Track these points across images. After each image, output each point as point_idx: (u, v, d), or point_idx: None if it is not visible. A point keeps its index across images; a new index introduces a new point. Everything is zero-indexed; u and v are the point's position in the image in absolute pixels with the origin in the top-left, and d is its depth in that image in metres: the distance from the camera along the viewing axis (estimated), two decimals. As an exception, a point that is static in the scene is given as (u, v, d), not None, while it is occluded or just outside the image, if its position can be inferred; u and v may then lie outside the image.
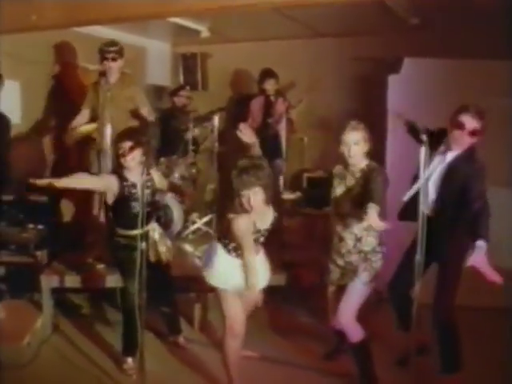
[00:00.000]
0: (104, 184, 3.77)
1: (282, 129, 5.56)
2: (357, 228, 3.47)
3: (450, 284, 3.51)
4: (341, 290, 3.67)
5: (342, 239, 3.56)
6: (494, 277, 3.14)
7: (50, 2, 4.64)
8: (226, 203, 4.26)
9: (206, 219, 5.77)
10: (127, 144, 3.68)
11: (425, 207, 3.27)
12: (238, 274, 3.36)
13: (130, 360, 3.85)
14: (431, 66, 5.10)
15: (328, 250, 3.74)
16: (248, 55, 6.82)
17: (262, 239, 3.39)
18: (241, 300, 3.44)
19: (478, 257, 3.11)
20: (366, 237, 3.44)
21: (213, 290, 4.36)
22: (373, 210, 3.06)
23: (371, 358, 3.56)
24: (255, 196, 3.13)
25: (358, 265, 3.51)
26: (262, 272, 3.43)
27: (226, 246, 3.40)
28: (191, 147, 5.78)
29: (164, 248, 3.87)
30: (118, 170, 3.80)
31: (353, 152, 3.41)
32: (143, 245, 3.34)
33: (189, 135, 5.75)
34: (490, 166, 3.49)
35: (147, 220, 3.60)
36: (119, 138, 3.79)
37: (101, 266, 4.57)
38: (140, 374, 3.35)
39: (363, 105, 5.86)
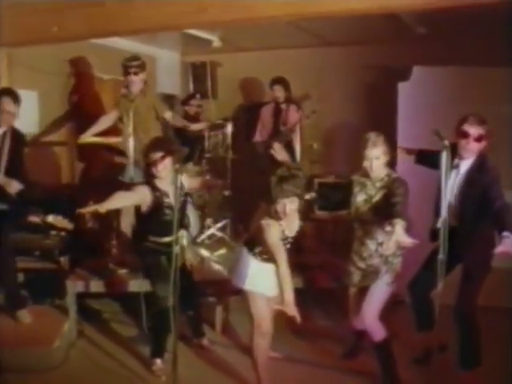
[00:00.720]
0: (139, 198, 3.91)
1: (296, 136, 5.68)
2: (378, 234, 3.62)
3: (476, 284, 3.65)
4: (362, 291, 3.82)
5: (363, 243, 3.72)
6: None
7: (70, 14, 4.80)
8: (252, 209, 4.43)
9: (220, 225, 5.90)
10: (158, 154, 3.81)
11: (446, 211, 3.39)
12: (264, 277, 3.51)
13: (158, 361, 3.97)
14: (440, 73, 5.26)
15: (348, 253, 3.90)
16: (257, 64, 6.99)
17: (288, 246, 3.52)
18: (267, 300, 3.56)
19: (506, 245, 3.20)
20: (387, 242, 3.55)
21: (234, 293, 4.56)
22: (399, 227, 3.21)
23: (393, 356, 3.70)
24: (291, 204, 3.27)
25: (380, 267, 3.66)
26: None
27: (251, 249, 3.54)
28: (206, 155, 5.93)
29: (190, 253, 4.00)
30: (150, 179, 3.92)
31: (375, 166, 3.59)
32: (177, 249, 3.45)
33: (204, 143, 5.89)
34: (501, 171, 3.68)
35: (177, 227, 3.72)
36: (149, 148, 3.92)
37: (123, 271, 4.67)
38: (173, 374, 3.45)
39: (373, 112, 6.02)
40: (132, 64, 4.89)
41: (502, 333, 4.35)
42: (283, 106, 5.86)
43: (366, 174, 3.67)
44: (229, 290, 4.67)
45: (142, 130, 4.80)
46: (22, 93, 5.38)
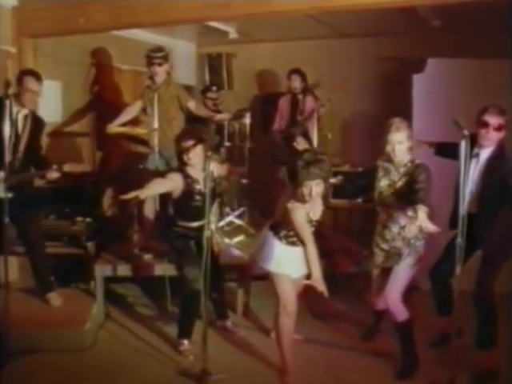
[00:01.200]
0: (173, 184, 4.05)
1: (313, 126, 5.83)
2: (401, 218, 3.78)
3: (495, 268, 3.80)
4: (384, 273, 3.98)
5: (386, 227, 3.88)
6: None
7: (96, 6, 4.94)
8: (269, 196, 4.58)
9: (238, 212, 6.08)
10: (190, 142, 3.97)
11: (466, 199, 3.54)
12: (289, 259, 3.71)
13: (186, 342, 4.16)
14: (454, 65, 5.39)
15: (363, 239, 4.08)
16: (272, 55, 7.15)
17: (312, 229, 3.68)
18: (293, 281, 3.74)
19: None
20: (409, 225, 3.73)
21: (254, 278, 4.75)
22: (422, 212, 3.33)
23: (414, 336, 3.87)
24: (317, 187, 3.43)
25: (402, 249, 3.82)
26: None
27: (277, 233, 3.72)
28: (226, 144, 6.10)
29: (218, 238, 4.16)
30: (182, 167, 4.09)
31: (397, 151, 3.70)
32: (208, 233, 3.61)
33: (224, 132, 6.05)
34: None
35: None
36: (181, 136, 4.08)
37: (148, 256, 4.84)
38: (203, 355, 3.63)
39: (388, 103, 6.16)
40: (156, 55, 5.03)
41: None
42: (300, 97, 5.99)
43: (389, 160, 3.80)
44: (249, 275, 4.88)
45: (166, 121, 4.95)
46: (46, 83, 5.58)
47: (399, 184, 3.77)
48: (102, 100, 6.35)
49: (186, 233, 4.11)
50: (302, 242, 3.63)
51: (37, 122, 4.50)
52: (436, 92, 5.33)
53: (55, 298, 4.62)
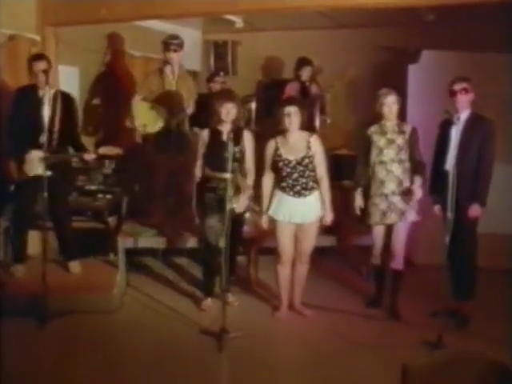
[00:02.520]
0: (204, 139, 4.64)
1: (316, 111, 6.25)
2: (397, 172, 4.42)
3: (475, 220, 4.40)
4: (387, 229, 4.59)
5: (383, 182, 4.46)
6: None
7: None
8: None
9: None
10: (232, 103, 4.51)
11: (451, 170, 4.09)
12: (284, 206, 4.42)
13: (209, 300, 4.78)
14: (447, 57, 5.83)
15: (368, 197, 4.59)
16: (274, 43, 7.51)
17: (287, 169, 4.38)
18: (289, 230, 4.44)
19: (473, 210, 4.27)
20: (405, 180, 4.43)
21: (261, 251, 5.21)
22: (418, 183, 4.23)
23: (402, 287, 4.61)
24: (295, 116, 4.32)
25: (400, 205, 4.42)
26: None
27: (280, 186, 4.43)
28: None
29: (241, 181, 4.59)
30: (213, 123, 4.59)
31: (393, 110, 4.43)
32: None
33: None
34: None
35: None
36: (217, 96, 4.72)
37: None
38: (222, 314, 4.12)
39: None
40: (173, 42, 5.41)
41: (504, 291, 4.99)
42: (307, 85, 6.40)
43: (382, 123, 4.49)
44: (257, 248, 5.34)
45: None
46: (65, 68, 6.02)
47: (399, 141, 4.44)
48: (115, 84, 6.73)
49: (213, 187, 4.55)
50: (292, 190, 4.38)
51: (66, 100, 4.85)
52: (429, 82, 5.76)
53: (75, 266, 5.09)
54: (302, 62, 6.40)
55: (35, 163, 4.60)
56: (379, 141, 4.49)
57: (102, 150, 4.67)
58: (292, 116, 4.33)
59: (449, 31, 6.22)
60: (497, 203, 4.98)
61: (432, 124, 4.72)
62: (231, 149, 4.15)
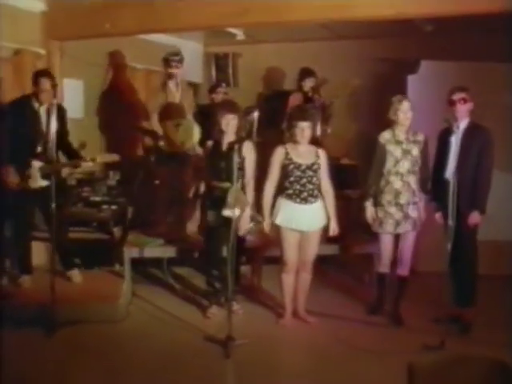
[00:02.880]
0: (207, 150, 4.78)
1: (318, 121, 6.33)
2: (412, 182, 4.52)
3: (475, 228, 4.47)
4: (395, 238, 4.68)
5: (399, 193, 4.53)
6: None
7: (122, 12, 5.41)
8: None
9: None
10: (233, 114, 4.63)
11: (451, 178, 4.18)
12: (290, 213, 4.48)
13: (214, 307, 4.84)
14: (446, 67, 5.92)
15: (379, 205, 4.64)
16: (275, 55, 7.61)
17: (298, 173, 4.46)
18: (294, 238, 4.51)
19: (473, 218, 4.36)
20: (417, 190, 4.56)
21: (265, 261, 5.28)
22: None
23: (405, 293, 4.69)
24: (307, 130, 4.43)
25: (412, 215, 4.53)
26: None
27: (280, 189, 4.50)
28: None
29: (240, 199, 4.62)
30: (216, 134, 4.69)
31: (408, 116, 4.51)
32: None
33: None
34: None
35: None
36: (219, 107, 4.83)
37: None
38: (228, 322, 4.18)
39: (384, 101, 6.66)
40: (174, 58, 5.57)
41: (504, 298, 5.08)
42: (311, 96, 6.46)
43: (395, 131, 4.56)
44: (260, 258, 5.41)
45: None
46: (70, 82, 6.12)
47: (414, 152, 4.52)
48: (118, 97, 6.83)
49: (217, 195, 4.60)
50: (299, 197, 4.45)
51: (59, 111, 4.79)
52: (429, 92, 5.85)
53: (76, 275, 5.18)
54: (305, 73, 6.46)
55: (37, 175, 4.71)
56: (395, 151, 4.53)
57: (100, 158, 4.72)
58: (305, 130, 4.44)
59: (447, 41, 6.33)
60: (497, 210, 5.09)
61: (432, 133, 4.80)
62: (235, 159, 4.23)
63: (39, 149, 4.79)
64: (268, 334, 4.55)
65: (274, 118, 6.77)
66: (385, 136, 4.60)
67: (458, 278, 4.49)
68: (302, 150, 4.51)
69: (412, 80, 6.10)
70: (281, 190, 4.55)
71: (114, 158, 4.78)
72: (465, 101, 4.48)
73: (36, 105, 4.83)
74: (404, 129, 4.54)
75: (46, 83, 4.77)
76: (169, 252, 5.35)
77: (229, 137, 4.64)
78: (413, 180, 4.53)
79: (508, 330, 4.30)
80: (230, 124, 4.61)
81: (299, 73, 6.52)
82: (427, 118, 5.47)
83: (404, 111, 4.51)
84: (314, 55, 7.21)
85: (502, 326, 4.45)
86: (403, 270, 4.67)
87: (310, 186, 4.48)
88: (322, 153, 4.56)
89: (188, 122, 5.55)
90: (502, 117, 5.67)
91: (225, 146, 4.59)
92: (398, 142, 4.54)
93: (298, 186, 4.47)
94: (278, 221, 4.53)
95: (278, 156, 4.52)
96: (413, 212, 4.55)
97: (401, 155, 4.52)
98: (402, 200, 4.53)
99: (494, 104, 5.60)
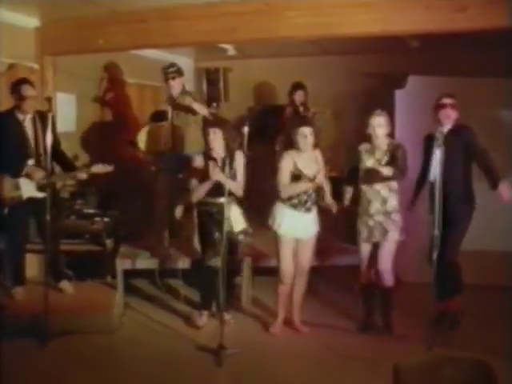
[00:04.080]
0: (199, 165, 4.74)
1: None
2: (383, 191, 4.55)
3: (461, 232, 4.59)
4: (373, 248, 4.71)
5: (370, 202, 4.60)
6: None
7: (115, 28, 5.51)
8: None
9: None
10: (214, 129, 4.69)
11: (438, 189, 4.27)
12: (290, 221, 4.52)
13: (205, 313, 4.91)
14: (432, 82, 6.05)
15: (358, 215, 4.74)
16: (265, 70, 7.76)
17: (308, 185, 4.51)
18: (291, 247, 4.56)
19: (503, 191, 4.33)
20: (390, 199, 4.56)
21: (258, 272, 5.34)
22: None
23: (393, 302, 4.70)
24: (310, 136, 4.44)
25: (385, 224, 4.55)
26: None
27: (291, 203, 4.53)
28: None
29: (236, 216, 4.73)
30: (206, 150, 4.75)
31: (378, 132, 4.54)
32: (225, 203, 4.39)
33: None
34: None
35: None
36: (206, 123, 4.95)
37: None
38: (220, 331, 4.25)
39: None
40: (170, 70, 5.61)
41: (498, 307, 5.18)
42: (301, 110, 6.60)
43: (371, 143, 4.61)
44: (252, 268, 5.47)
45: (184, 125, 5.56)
46: (62, 96, 6.20)
47: (383, 162, 4.55)
48: (112, 110, 6.92)
49: (210, 210, 4.72)
50: (304, 207, 4.50)
51: (43, 118, 4.72)
52: (416, 107, 5.95)
53: (67, 286, 5.21)
54: (296, 86, 6.62)
55: (29, 186, 4.74)
56: (368, 161, 4.62)
57: (94, 169, 4.76)
58: (308, 137, 4.48)
59: (434, 57, 6.47)
60: (489, 221, 5.24)
61: (419, 147, 4.93)
62: (227, 172, 4.33)
63: (31, 161, 4.79)
64: (259, 343, 4.62)
65: (265, 133, 6.90)
66: (363, 145, 4.70)
67: (439, 270, 4.45)
68: (307, 157, 4.54)
69: (400, 95, 6.21)
70: (283, 200, 4.56)
71: (108, 168, 4.83)
72: (453, 106, 4.62)
73: (20, 116, 4.81)
74: (379, 141, 4.58)
75: (27, 90, 4.75)
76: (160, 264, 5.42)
77: (217, 151, 4.72)
78: (384, 189, 4.57)
79: (499, 338, 4.45)
80: (214, 138, 4.68)
81: (291, 86, 6.64)
82: (414, 132, 5.61)
83: (373, 126, 4.55)
84: (303, 70, 7.34)
85: (493, 333, 4.58)
86: (384, 281, 4.66)
87: (314, 195, 4.58)
88: (319, 155, 4.63)
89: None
90: (490, 131, 5.77)
91: (218, 161, 4.68)
92: (372, 153, 4.62)
93: (304, 197, 4.53)
94: (282, 231, 4.56)
95: (287, 165, 4.51)
96: (385, 222, 4.58)
97: (372, 165, 4.59)
98: (373, 209, 4.59)
99: (481, 119, 5.71)
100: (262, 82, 7.86)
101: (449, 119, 4.62)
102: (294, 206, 4.54)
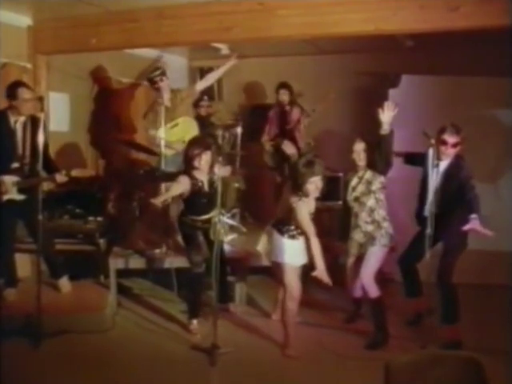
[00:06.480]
0: (184, 187, 4.62)
1: (299, 134, 6.48)
2: (369, 203, 4.54)
3: (454, 257, 4.52)
4: (358, 262, 4.70)
5: (357, 215, 4.61)
6: (486, 232, 4.16)
7: (108, 28, 5.49)
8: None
9: (231, 213, 6.65)
10: (199, 150, 4.58)
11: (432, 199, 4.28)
12: (292, 251, 4.35)
13: (194, 322, 4.81)
14: (426, 81, 6.08)
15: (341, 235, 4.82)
16: (259, 69, 7.75)
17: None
18: (296, 270, 4.41)
19: (473, 224, 4.17)
20: (377, 209, 4.54)
21: (251, 271, 5.34)
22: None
23: (385, 312, 4.58)
24: (320, 183, 4.18)
25: (374, 233, 4.53)
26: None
27: (280, 229, 4.36)
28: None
29: (222, 230, 4.72)
30: (189, 171, 4.65)
31: (362, 157, 4.54)
32: (216, 220, 4.43)
33: (218, 140, 6.65)
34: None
35: (211, 207, 4.55)
36: (191, 144, 4.69)
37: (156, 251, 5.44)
38: (213, 332, 4.24)
39: (365, 114, 6.79)
40: (155, 74, 5.74)
41: (494, 305, 5.27)
42: (287, 108, 6.63)
43: (356, 168, 4.62)
44: (245, 269, 5.47)
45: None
46: (56, 95, 6.18)
47: (367, 175, 4.58)
48: (105, 110, 6.90)
49: (194, 224, 4.74)
50: (301, 235, 4.30)
51: (34, 122, 4.72)
52: (410, 106, 5.97)
53: (65, 284, 5.23)
54: (280, 86, 6.67)
55: (9, 188, 4.69)
56: (352, 181, 4.67)
57: (75, 172, 4.69)
58: (318, 183, 4.26)
59: (427, 56, 6.48)
60: (488, 221, 5.20)
61: (413, 147, 4.92)
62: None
63: (16, 164, 4.75)
64: (253, 343, 4.62)
65: (257, 131, 6.92)
66: (349, 175, 4.77)
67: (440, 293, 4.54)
68: (312, 199, 4.37)
69: (393, 94, 6.21)
70: (283, 231, 4.38)
71: (89, 172, 4.83)
72: (456, 145, 4.45)
73: (12, 119, 4.76)
74: (362, 166, 4.59)
75: (25, 93, 4.71)
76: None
77: (200, 173, 4.67)
78: (370, 200, 4.54)
79: (497, 338, 4.49)
80: (203, 160, 4.62)
81: (276, 86, 6.70)
82: (408, 132, 5.62)
83: (357, 152, 4.57)
84: (297, 69, 7.37)
85: (492, 333, 4.62)
86: (368, 293, 4.59)
87: None
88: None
89: (185, 119, 5.78)
90: (482, 130, 5.80)
91: (200, 184, 4.66)
92: (356, 172, 4.66)
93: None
94: (290, 260, 4.39)
95: (306, 212, 4.24)
96: (373, 231, 4.54)
97: (356, 183, 4.63)
98: (360, 221, 4.60)
99: (474, 118, 5.74)
100: (255, 81, 7.85)
101: (448, 157, 4.47)
102: (294, 237, 4.36)
